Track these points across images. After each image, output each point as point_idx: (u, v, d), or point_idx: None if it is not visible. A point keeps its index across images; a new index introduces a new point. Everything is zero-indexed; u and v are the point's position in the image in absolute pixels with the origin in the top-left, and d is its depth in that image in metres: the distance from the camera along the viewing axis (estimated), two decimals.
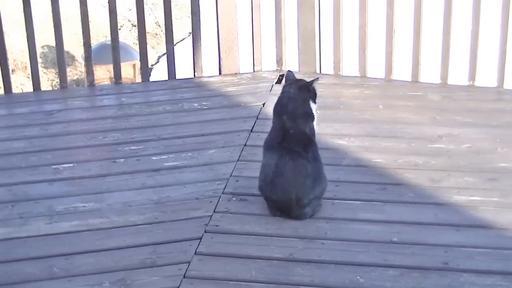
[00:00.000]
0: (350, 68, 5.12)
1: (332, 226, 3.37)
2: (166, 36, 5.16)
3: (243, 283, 3.01)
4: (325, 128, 4.23)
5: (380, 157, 3.96)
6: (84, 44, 5.05)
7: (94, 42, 6.43)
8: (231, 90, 4.90)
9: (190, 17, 5.14)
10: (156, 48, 9.37)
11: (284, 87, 3.55)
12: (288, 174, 3.32)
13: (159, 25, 9.27)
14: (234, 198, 3.59)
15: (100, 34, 8.50)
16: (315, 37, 5.12)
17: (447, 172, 3.79)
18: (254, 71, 5.19)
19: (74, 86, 7.77)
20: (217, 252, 3.21)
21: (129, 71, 6.98)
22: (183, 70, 5.33)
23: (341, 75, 5.09)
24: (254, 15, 5.12)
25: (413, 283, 2.99)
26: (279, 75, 5.08)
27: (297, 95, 3.47)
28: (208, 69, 5.20)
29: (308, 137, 3.42)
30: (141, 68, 5.22)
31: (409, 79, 4.99)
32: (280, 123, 3.42)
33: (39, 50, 6.48)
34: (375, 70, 5.08)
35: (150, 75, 6.19)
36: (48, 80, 8.03)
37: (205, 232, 3.33)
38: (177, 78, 5.14)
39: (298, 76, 3.70)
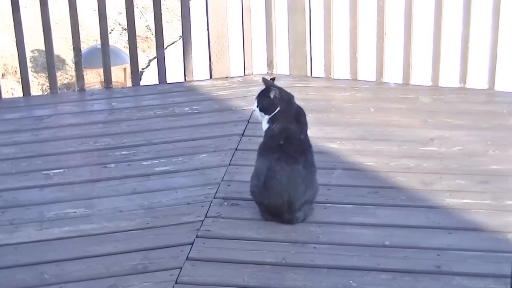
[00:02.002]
0: (341, 71, 5.11)
1: (324, 230, 3.36)
2: (156, 40, 5.15)
3: None
4: (316, 131, 4.22)
5: (371, 160, 3.95)
6: (74, 49, 5.03)
7: (84, 46, 6.43)
8: (222, 94, 4.89)
9: (181, 20, 5.13)
10: (146, 51, 9.35)
11: (286, 93, 3.51)
12: (282, 178, 3.31)
13: (150, 29, 9.25)
14: (225, 203, 3.57)
15: (90, 38, 8.48)
16: (306, 40, 5.12)
17: (439, 175, 3.79)
18: (245, 74, 5.18)
19: (65, 90, 7.75)
20: (209, 257, 3.20)
21: (120, 74, 6.97)
22: (174, 74, 5.32)
23: (332, 78, 5.08)
24: (245, 19, 5.11)
25: (406, 287, 2.99)
26: (270, 79, 5.05)
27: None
28: (199, 73, 5.19)
29: (307, 142, 3.43)
30: (131, 73, 5.20)
31: (400, 82, 4.98)
32: (285, 126, 3.41)
33: (29, 54, 6.48)
34: (366, 73, 5.08)
35: (140, 78, 6.18)
36: (39, 84, 7.99)
37: (196, 237, 3.32)
38: (167, 82, 5.13)
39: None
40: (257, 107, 3.45)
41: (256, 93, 3.49)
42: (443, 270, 3.08)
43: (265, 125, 3.46)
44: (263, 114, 3.44)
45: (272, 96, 3.42)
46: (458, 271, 3.07)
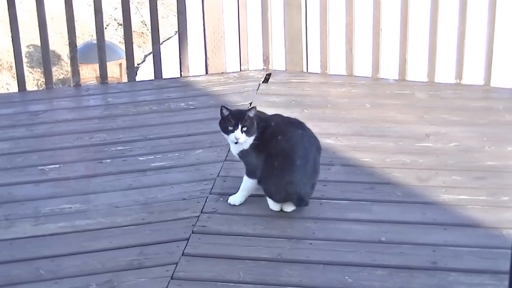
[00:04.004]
0: (337, 66, 5.11)
1: (320, 226, 3.36)
2: (152, 36, 5.14)
3: (231, 284, 3.00)
4: (312, 127, 4.19)
5: (367, 156, 3.95)
6: (70, 44, 5.03)
7: (80, 41, 6.39)
8: (218, 90, 4.88)
9: (176, 16, 5.12)
10: (142, 47, 9.33)
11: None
12: (312, 164, 3.37)
13: (145, 24, 9.23)
14: (221, 199, 3.57)
15: (86, 33, 8.45)
16: (302, 36, 5.11)
17: (435, 171, 3.79)
18: (240, 70, 5.18)
19: (60, 85, 7.71)
20: (204, 253, 3.20)
21: (115, 70, 6.95)
22: (170, 69, 5.31)
23: (328, 74, 5.08)
24: (241, 14, 5.11)
25: (401, 283, 2.98)
26: (266, 74, 5.07)
27: None
28: (195, 68, 5.19)
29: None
30: (127, 68, 5.19)
31: (396, 78, 4.99)
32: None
33: (24, 50, 6.47)
34: (362, 68, 5.08)
35: (136, 74, 6.17)
36: (34, 79, 7.97)
37: (192, 232, 3.32)
38: (163, 77, 5.12)
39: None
40: (244, 132, 3.31)
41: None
42: (439, 266, 3.08)
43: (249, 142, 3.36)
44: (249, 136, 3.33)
45: (252, 115, 3.32)
46: (454, 267, 3.06)
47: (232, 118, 3.32)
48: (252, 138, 3.34)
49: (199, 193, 3.62)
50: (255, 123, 3.34)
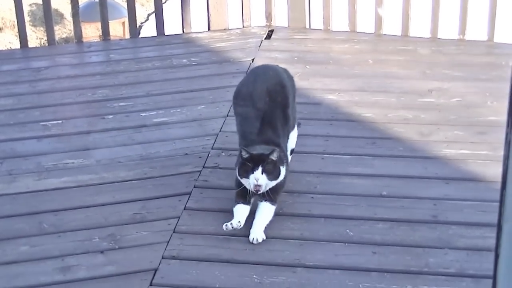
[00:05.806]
0: (339, 23, 5.09)
1: (322, 181, 3.37)
2: None
3: (233, 237, 3.01)
4: (314, 83, 4.23)
5: (370, 111, 3.95)
6: (72, 0, 5.01)
7: (82, 0, 6.36)
8: (220, 46, 4.87)
9: None
10: (145, 5, 9.27)
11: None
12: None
13: None
14: (223, 153, 3.58)
15: None
16: None
17: (437, 126, 3.79)
18: (243, 26, 5.15)
19: (63, 44, 7.70)
20: (206, 207, 3.21)
21: (119, 29, 6.91)
22: (172, 27, 5.29)
23: (331, 30, 5.06)
24: None
25: (402, 236, 3.00)
26: (268, 31, 5.05)
27: None
28: (197, 25, 5.17)
29: None
30: (129, 24, 5.17)
31: (399, 34, 4.96)
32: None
33: (27, 8, 6.43)
34: (365, 24, 5.05)
35: (139, 33, 6.14)
36: (37, 38, 7.94)
37: (194, 187, 3.33)
38: (166, 34, 5.11)
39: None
40: (265, 173, 2.95)
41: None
42: (440, 219, 3.09)
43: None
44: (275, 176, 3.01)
45: (275, 158, 2.97)
46: (454, 220, 3.08)
47: (252, 161, 2.95)
48: (275, 182, 3.00)
49: (201, 148, 3.63)
50: (279, 168, 3.00)
